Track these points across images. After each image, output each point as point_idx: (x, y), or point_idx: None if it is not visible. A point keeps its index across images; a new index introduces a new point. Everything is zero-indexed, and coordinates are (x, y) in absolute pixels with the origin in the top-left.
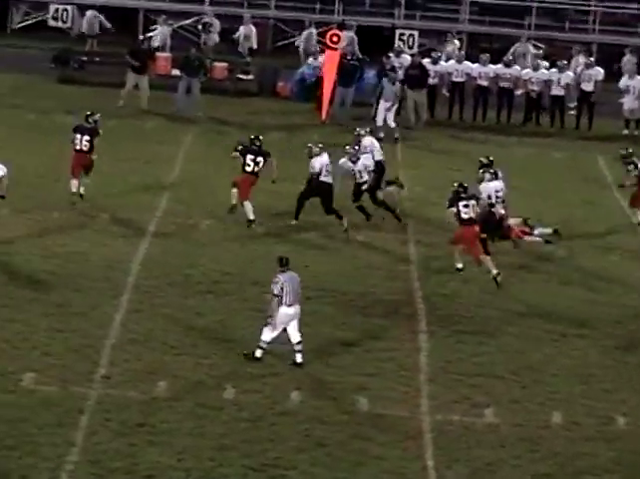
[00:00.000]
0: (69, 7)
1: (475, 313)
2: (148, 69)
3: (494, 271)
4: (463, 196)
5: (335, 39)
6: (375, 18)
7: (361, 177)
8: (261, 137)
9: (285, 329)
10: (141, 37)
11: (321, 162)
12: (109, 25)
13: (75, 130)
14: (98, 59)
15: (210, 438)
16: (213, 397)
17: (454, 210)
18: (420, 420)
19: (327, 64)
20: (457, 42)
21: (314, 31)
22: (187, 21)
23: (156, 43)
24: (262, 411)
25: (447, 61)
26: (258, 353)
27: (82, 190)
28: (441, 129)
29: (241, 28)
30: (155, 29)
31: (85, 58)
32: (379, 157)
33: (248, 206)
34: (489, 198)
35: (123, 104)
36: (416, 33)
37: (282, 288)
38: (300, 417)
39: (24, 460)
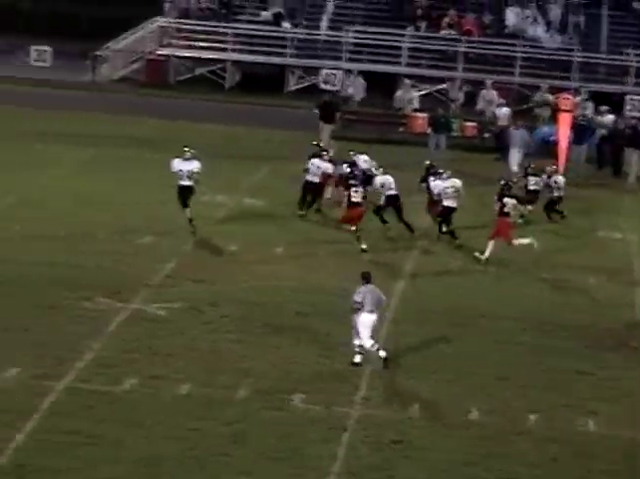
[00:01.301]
0: (337, 72)
1: None
2: (334, 119)
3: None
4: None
5: (567, 102)
6: (607, 85)
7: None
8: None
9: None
10: (329, 89)
11: None
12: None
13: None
14: (361, 117)
15: (456, 454)
16: (460, 418)
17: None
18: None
19: (561, 124)
20: None
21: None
22: (441, 86)
23: (414, 104)
24: (502, 431)
25: None
26: (357, 359)
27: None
28: None
29: (483, 91)
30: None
31: (350, 117)
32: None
33: (492, 245)
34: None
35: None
36: None
37: (364, 298)
38: (536, 436)
39: (292, 471)
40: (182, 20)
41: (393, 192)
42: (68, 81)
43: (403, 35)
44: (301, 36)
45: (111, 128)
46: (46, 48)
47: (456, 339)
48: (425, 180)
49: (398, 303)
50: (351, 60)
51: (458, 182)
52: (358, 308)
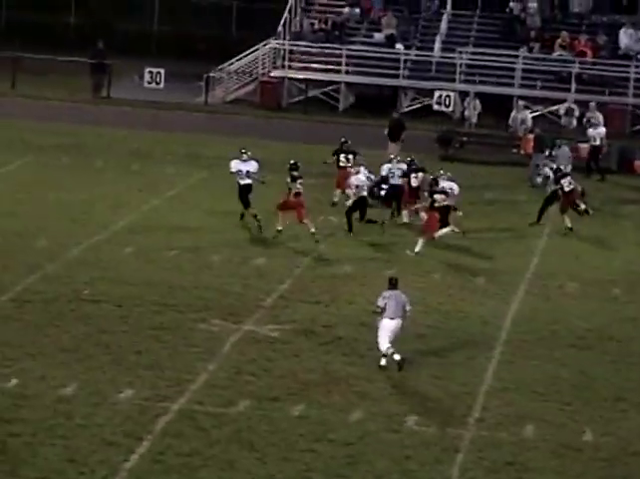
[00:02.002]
0: (452, 93)
1: None
2: (399, 138)
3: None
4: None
5: None
6: None
7: None
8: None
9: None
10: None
11: None
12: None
13: None
14: (476, 139)
15: (571, 476)
16: (574, 439)
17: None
18: None
19: None
20: None
21: None
22: (554, 107)
23: (527, 124)
24: (617, 452)
25: None
26: (383, 362)
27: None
28: None
29: (588, 113)
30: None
31: (465, 139)
32: None
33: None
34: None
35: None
36: None
37: (386, 303)
38: None
39: None
40: (296, 42)
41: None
42: (181, 102)
43: (516, 56)
44: (414, 57)
45: (224, 150)
46: (159, 70)
47: (570, 360)
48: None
49: (509, 326)
50: (465, 81)
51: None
52: (379, 313)
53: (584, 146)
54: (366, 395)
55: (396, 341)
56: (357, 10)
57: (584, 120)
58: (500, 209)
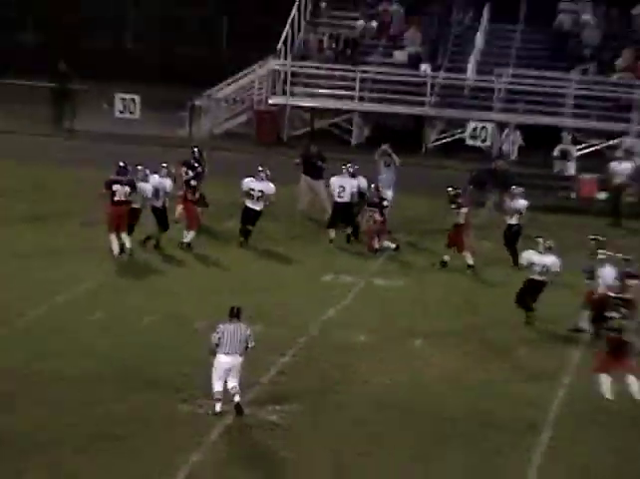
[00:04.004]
0: (488, 125)
1: None
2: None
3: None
4: None
5: None
6: None
7: None
8: None
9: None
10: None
11: None
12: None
13: None
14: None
15: None
16: None
17: None
18: None
19: None
20: None
21: None
22: (612, 141)
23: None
24: None
25: None
26: (217, 407)
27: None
28: None
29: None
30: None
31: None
32: None
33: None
34: None
35: (301, 208)
36: None
37: (220, 338)
38: None
39: None
40: (299, 63)
41: None
42: (160, 136)
43: (567, 80)
44: (443, 81)
45: (212, 193)
46: (134, 96)
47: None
48: None
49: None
50: (504, 110)
51: None
52: (213, 349)
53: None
54: None
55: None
56: (374, 24)
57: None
58: None
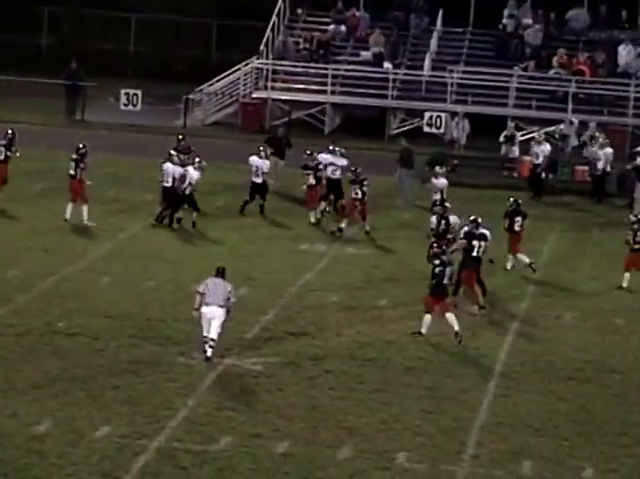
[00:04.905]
0: (442, 114)
1: None
2: (284, 154)
3: None
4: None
5: None
6: None
7: None
8: None
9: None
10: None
11: None
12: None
13: None
14: (467, 162)
15: None
16: (574, 477)
17: None
18: None
19: None
20: None
21: None
22: (550, 128)
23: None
24: None
25: None
26: (209, 352)
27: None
28: None
29: (586, 133)
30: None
31: (456, 161)
32: None
33: None
34: None
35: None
36: None
37: (204, 288)
38: None
39: None
40: (279, 61)
41: None
42: (159, 126)
43: (510, 75)
44: (403, 77)
45: (204, 174)
46: (136, 91)
47: (568, 393)
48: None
49: (504, 358)
50: (456, 101)
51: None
52: (199, 302)
53: (582, 168)
54: (355, 431)
55: (219, 335)
56: (343, 28)
57: (585, 139)
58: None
